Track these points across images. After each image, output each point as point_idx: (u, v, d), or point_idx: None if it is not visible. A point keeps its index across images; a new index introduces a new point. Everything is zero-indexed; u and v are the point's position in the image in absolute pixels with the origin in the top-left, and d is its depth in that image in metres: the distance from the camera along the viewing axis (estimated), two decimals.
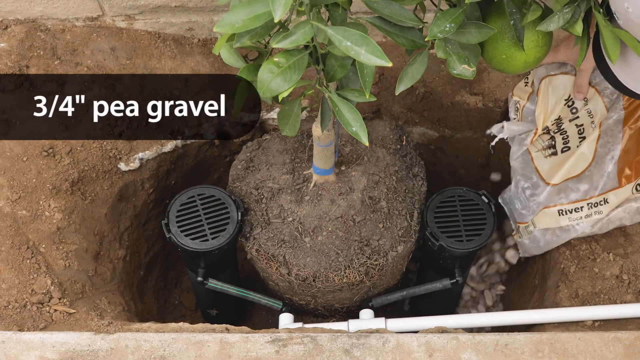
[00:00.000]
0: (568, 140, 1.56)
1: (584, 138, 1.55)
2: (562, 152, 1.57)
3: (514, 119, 1.59)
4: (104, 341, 1.40)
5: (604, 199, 1.55)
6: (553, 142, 1.57)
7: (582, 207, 1.57)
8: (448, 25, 1.07)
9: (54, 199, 1.61)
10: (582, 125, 1.55)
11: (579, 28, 1.13)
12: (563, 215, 1.58)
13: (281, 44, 0.97)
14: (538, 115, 1.52)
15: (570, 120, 1.55)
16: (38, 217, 1.59)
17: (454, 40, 1.13)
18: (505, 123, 1.58)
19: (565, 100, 1.54)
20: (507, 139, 1.60)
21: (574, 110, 1.55)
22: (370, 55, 0.96)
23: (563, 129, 1.56)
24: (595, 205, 1.56)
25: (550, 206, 1.59)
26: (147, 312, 1.93)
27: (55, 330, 1.44)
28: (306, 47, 1.05)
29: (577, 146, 1.55)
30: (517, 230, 1.69)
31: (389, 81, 1.79)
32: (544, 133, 1.56)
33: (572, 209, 1.58)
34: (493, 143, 1.58)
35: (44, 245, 1.56)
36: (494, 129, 1.59)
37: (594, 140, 1.54)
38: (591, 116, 1.54)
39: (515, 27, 1.18)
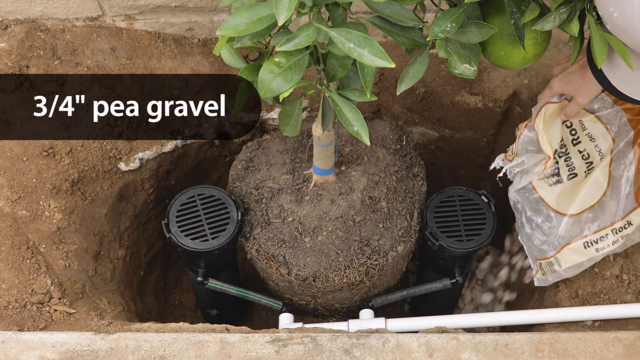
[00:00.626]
0: (574, 167, 1.52)
1: (591, 163, 1.51)
2: (569, 179, 1.53)
3: (509, 150, 1.53)
4: (104, 341, 1.40)
5: (627, 222, 1.52)
6: (557, 170, 1.54)
7: (607, 235, 1.52)
8: (449, 25, 1.07)
9: (54, 199, 1.61)
10: (585, 150, 1.51)
11: (575, 28, 1.13)
12: (590, 247, 1.53)
13: (284, 47, 0.97)
14: (543, 142, 1.46)
15: (573, 145, 1.53)
16: (38, 217, 1.59)
17: (455, 40, 1.13)
18: (524, 157, 1.49)
19: (564, 122, 1.52)
20: (512, 173, 1.53)
21: (574, 132, 1.53)
22: (373, 57, 0.96)
23: (567, 152, 1.53)
24: (620, 230, 1.52)
25: (574, 241, 1.54)
26: (147, 312, 1.93)
27: (55, 330, 1.44)
28: (307, 47, 1.06)
29: (585, 172, 1.52)
30: (538, 268, 1.60)
31: (389, 81, 1.79)
32: (553, 160, 1.52)
33: (597, 239, 1.53)
34: (501, 174, 1.51)
35: (44, 245, 1.56)
36: (498, 161, 1.52)
37: (606, 165, 1.51)
38: (593, 140, 1.51)
39: (515, 25, 1.18)
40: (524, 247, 1.62)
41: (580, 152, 1.53)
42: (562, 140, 1.52)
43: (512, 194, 1.57)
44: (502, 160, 1.52)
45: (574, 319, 1.53)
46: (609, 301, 1.54)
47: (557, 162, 1.53)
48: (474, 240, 1.60)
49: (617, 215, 1.52)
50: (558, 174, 1.53)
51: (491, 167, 1.53)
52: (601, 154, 1.51)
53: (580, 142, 1.53)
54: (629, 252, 1.59)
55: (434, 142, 1.94)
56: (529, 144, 1.49)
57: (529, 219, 1.57)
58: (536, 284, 1.64)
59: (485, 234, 1.61)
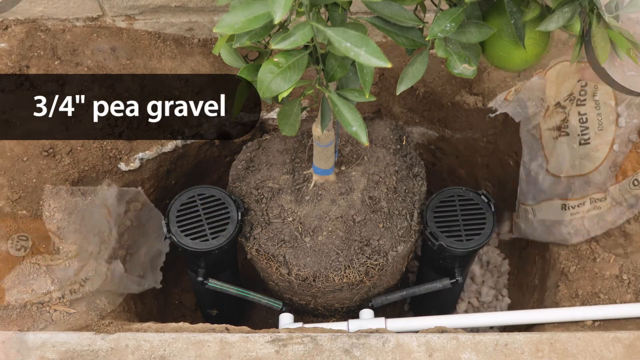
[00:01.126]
0: (567, 126, 1.54)
1: (586, 128, 1.52)
2: (561, 136, 1.56)
3: (512, 90, 1.54)
4: (104, 341, 1.40)
5: (605, 195, 1.56)
6: (566, 123, 1.55)
7: (584, 203, 1.58)
8: (448, 25, 1.07)
9: (54, 199, 1.61)
10: (585, 114, 1.52)
11: (577, 26, 1.12)
12: (566, 210, 1.59)
13: (280, 45, 0.97)
14: (549, 91, 1.47)
15: (577, 105, 1.53)
16: (38, 217, 1.59)
17: (455, 40, 1.13)
18: (522, 95, 1.51)
19: (579, 80, 1.52)
20: (514, 112, 1.56)
21: (583, 93, 1.52)
22: (369, 56, 0.96)
23: (568, 111, 1.54)
24: (597, 200, 1.57)
25: (554, 199, 1.58)
26: (147, 312, 1.93)
27: (55, 330, 1.44)
28: (306, 47, 1.06)
29: (579, 135, 1.52)
30: (517, 208, 1.69)
31: (389, 81, 1.79)
32: (558, 111, 1.53)
33: (575, 205, 1.58)
34: (492, 115, 1.54)
35: (44, 246, 1.56)
36: (497, 101, 1.54)
37: (608, 143, 1.52)
38: (597, 108, 1.52)
39: (515, 26, 1.18)
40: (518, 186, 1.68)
41: (580, 114, 1.53)
42: (572, 94, 1.53)
43: (523, 133, 1.60)
44: (503, 100, 1.53)
45: (574, 319, 1.53)
46: (609, 301, 1.54)
47: (566, 120, 1.55)
48: (474, 240, 1.60)
49: (600, 188, 1.56)
50: (563, 128, 1.55)
51: (489, 105, 1.55)
52: (601, 126, 1.52)
53: (584, 104, 1.53)
54: (628, 252, 1.59)
55: (434, 142, 1.94)
56: (535, 89, 1.50)
57: (524, 163, 1.61)
58: (514, 230, 1.72)
59: (485, 233, 1.61)
